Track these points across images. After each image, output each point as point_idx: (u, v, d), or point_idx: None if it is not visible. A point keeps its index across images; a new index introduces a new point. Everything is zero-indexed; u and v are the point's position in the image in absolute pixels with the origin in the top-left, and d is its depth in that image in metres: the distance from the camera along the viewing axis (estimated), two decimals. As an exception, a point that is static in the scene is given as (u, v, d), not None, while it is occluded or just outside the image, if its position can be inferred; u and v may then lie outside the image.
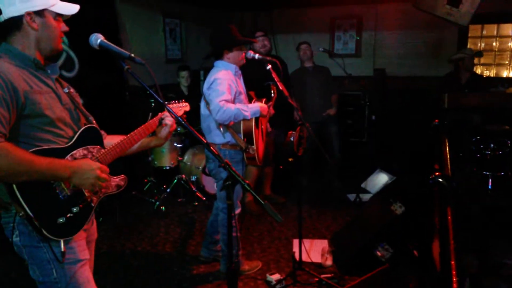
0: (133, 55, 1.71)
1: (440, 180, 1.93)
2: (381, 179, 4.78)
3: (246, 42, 3.35)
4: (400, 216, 3.24)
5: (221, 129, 2.96)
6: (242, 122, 2.96)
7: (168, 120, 1.99)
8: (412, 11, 4.52)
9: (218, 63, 3.03)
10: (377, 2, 6.20)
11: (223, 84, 2.87)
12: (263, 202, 1.52)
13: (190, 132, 1.70)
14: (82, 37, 1.88)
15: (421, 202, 3.34)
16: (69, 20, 1.77)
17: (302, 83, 4.92)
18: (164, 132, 2.02)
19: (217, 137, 3.01)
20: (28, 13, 1.61)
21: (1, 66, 1.53)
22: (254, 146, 2.96)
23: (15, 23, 1.61)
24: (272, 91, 3.27)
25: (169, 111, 1.75)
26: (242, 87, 3.11)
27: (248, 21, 7.19)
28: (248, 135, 2.97)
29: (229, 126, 2.95)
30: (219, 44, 3.00)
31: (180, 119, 1.72)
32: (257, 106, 2.97)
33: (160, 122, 2.03)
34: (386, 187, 4.55)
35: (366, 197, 4.59)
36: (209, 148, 1.63)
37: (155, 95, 1.70)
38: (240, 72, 3.09)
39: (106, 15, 4.79)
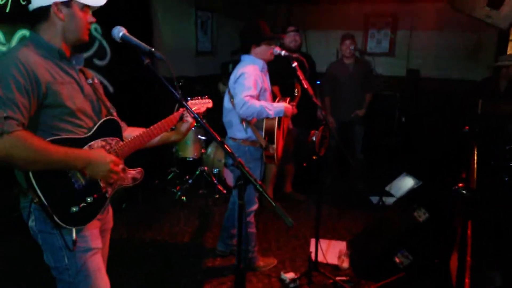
0: (153, 49, 1.71)
1: (464, 192, 1.83)
2: (407, 183, 4.64)
3: (274, 38, 3.30)
4: (423, 223, 3.14)
5: (244, 124, 2.95)
6: (264, 120, 2.93)
7: (189, 117, 1.99)
8: (449, 10, 4.34)
9: (245, 57, 3.02)
10: (414, 0, 5.98)
11: (250, 79, 2.85)
12: (274, 204, 1.50)
13: (207, 129, 1.69)
14: (114, 26, 1.89)
15: (446, 211, 3.22)
16: (102, 9, 1.78)
17: (336, 79, 4.80)
18: (183, 128, 2.04)
19: (238, 132, 3.00)
20: (56, 3, 1.63)
21: (26, 56, 1.56)
22: (275, 146, 2.94)
23: (43, 12, 1.65)
24: (296, 90, 3.22)
25: (186, 108, 1.74)
26: (267, 84, 3.08)
27: (281, 15, 7.11)
28: (269, 134, 2.94)
29: (252, 123, 2.93)
30: (248, 39, 3.00)
31: (197, 116, 1.71)
32: (282, 106, 2.94)
33: (181, 118, 2.03)
34: (411, 192, 4.41)
35: (389, 200, 4.48)
36: (222, 146, 1.62)
37: (173, 90, 1.69)
38: (266, 68, 3.06)
39: (139, 5, 4.85)
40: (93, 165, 1.64)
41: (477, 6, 3.80)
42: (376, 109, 6.18)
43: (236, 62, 3.21)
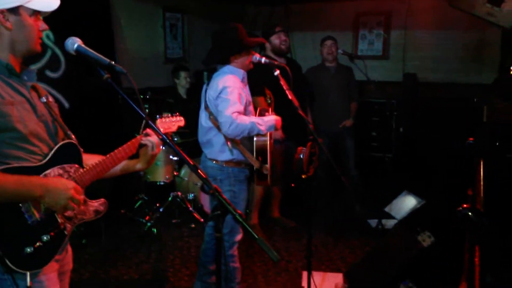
0: (113, 62, 1.72)
1: (469, 213, 1.89)
2: (408, 203, 4.71)
3: (258, 44, 3.36)
4: (428, 248, 3.18)
5: (229, 144, 2.95)
6: (255, 137, 2.96)
7: (148, 140, 1.99)
8: (448, 7, 4.49)
9: (223, 68, 3.02)
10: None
11: (234, 93, 2.86)
12: (256, 237, 1.51)
13: (178, 151, 1.71)
14: (70, 32, 1.89)
15: (453, 233, 3.28)
16: (56, 13, 1.77)
17: (319, 85, 4.90)
18: (148, 152, 2.01)
19: (221, 153, 2.99)
20: (1, 11, 1.62)
21: None
22: (268, 165, 2.97)
23: None
24: (268, 97, 3.27)
25: (152, 128, 1.75)
26: (250, 96, 3.12)
27: (262, 16, 7.23)
28: (262, 152, 2.97)
29: (239, 142, 2.96)
30: (226, 47, 2.98)
31: (165, 138, 1.72)
32: (273, 119, 2.97)
33: (146, 135, 2.03)
34: (413, 213, 4.47)
35: (390, 223, 4.54)
36: (196, 171, 1.64)
37: (137, 108, 1.71)
38: (246, 77, 3.10)
39: (99, 8, 4.88)
40: (52, 192, 1.62)
41: (476, 3, 3.96)
42: (369, 118, 6.30)
43: (211, 70, 3.20)
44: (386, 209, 4.84)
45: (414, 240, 3.21)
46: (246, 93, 3.02)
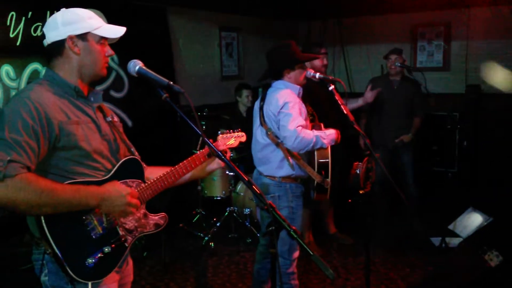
0: (171, 82, 1.80)
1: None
2: (474, 220, 4.48)
3: (311, 59, 3.37)
4: (496, 268, 3.02)
5: (290, 160, 2.95)
6: (316, 152, 2.97)
7: (215, 163, 2.09)
8: (510, 16, 4.29)
9: (279, 84, 3.04)
10: (470, 5, 5.94)
11: (295, 108, 2.89)
12: (311, 253, 1.50)
13: (233, 168, 1.74)
14: (132, 55, 2.00)
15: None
16: (120, 37, 1.88)
17: (379, 97, 4.78)
18: (210, 167, 2.11)
19: (279, 169, 2.99)
20: (70, 37, 1.75)
21: (39, 95, 1.67)
22: (329, 179, 2.96)
23: (58, 47, 1.77)
24: (311, 113, 3.24)
25: (208, 145, 1.79)
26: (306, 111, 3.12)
27: (315, 31, 7.25)
28: (324, 167, 2.96)
29: (300, 158, 2.96)
30: (280, 63, 3.02)
31: (220, 155, 1.75)
32: (334, 133, 2.99)
33: (209, 155, 2.08)
34: (479, 231, 4.25)
35: (454, 242, 4.34)
36: (250, 187, 1.65)
37: (193, 126, 1.76)
38: (301, 93, 3.10)
39: (159, 31, 5.10)
40: (108, 200, 1.70)
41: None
42: (430, 132, 6.08)
43: (266, 86, 3.25)
44: (450, 226, 4.62)
45: (481, 260, 3.07)
46: (304, 108, 3.03)
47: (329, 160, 2.97)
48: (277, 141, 2.94)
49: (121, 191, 1.74)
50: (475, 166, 5.77)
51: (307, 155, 3.03)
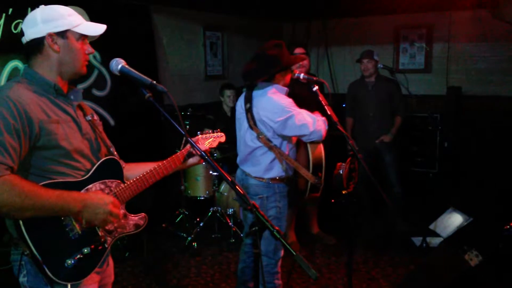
0: (154, 82, 1.78)
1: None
2: (455, 220, 4.54)
3: (302, 60, 3.39)
4: (475, 268, 3.06)
5: (283, 163, 2.95)
6: (310, 150, 3.00)
7: (195, 158, 2.08)
8: (493, 19, 4.36)
9: (269, 87, 2.97)
10: (452, 8, 6.03)
11: (290, 106, 2.91)
12: (294, 253, 1.49)
13: (216, 168, 1.72)
14: (115, 53, 1.97)
15: (502, 252, 3.13)
16: (102, 34, 1.85)
17: (357, 100, 4.86)
18: (189, 162, 2.10)
19: (269, 171, 2.97)
20: (50, 35, 1.71)
21: (18, 94, 1.63)
22: (322, 179, 2.98)
23: (37, 45, 1.73)
24: None
25: (192, 145, 1.78)
26: None
27: (299, 32, 7.26)
28: (318, 166, 2.98)
29: (294, 160, 2.98)
30: (273, 65, 2.91)
31: (204, 155, 1.74)
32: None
33: (189, 155, 2.07)
34: (460, 231, 4.31)
35: (434, 241, 4.38)
36: (234, 187, 1.64)
37: (177, 125, 1.74)
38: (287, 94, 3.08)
39: (142, 29, 5.04)
40: (90, 207, 1.67)
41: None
42: (413, 133, 6.16)
43: (250, 86, 3.09)
44: (431, 226, 4.67)
45: (461, 259, 3.11)
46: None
47: (323, 157, 3.01)
48: (270, 145, 2.92)
49: (104, 199, 1.72)
50: (456, 167, 5.85)
51: (294, 156, 3.03)
